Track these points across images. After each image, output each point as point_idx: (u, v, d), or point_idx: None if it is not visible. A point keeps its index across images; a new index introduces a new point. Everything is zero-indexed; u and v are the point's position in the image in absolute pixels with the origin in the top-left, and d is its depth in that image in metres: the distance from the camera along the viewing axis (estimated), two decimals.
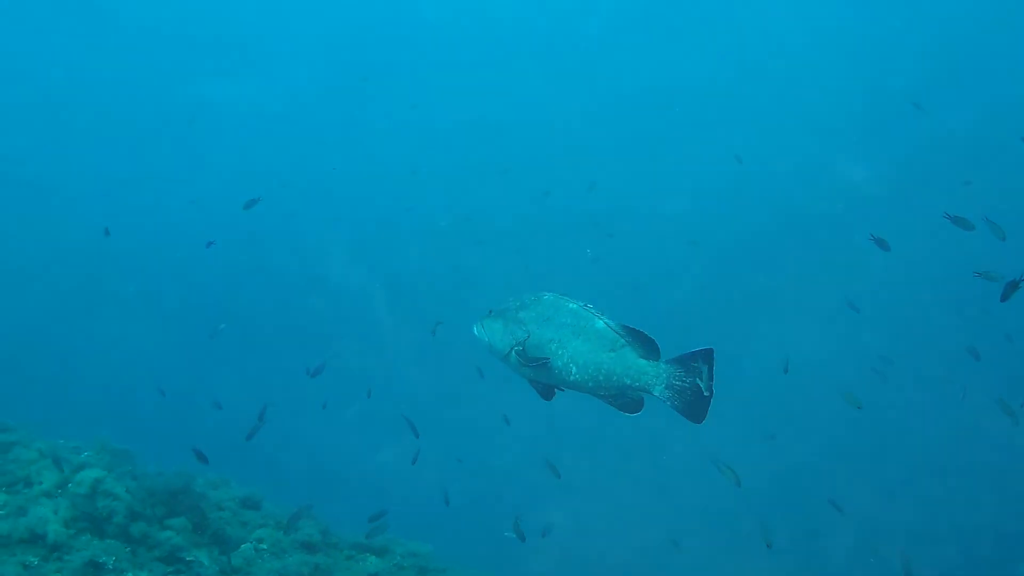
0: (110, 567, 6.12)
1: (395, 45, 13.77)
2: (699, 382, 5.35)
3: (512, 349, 5.86)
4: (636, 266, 11.30)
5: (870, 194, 11.89)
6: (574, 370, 5.43)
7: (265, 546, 6.95)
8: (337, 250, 9.72)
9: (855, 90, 12.58)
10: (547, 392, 6.09)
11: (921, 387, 9.39)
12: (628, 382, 5.41)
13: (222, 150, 12.81)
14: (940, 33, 12.25)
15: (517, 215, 13.05)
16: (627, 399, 5.62)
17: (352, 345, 9.10)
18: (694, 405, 5.47)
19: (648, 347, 5.40)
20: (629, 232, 11.73)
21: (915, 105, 11.30)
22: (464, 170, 14.08)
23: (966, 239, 9.87)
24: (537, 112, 13.96)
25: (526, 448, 9.15)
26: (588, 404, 9.03)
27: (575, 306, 5.55)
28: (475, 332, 6.27)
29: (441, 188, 13.24)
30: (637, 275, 11.05)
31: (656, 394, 5.40)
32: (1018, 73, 12.71)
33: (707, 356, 5.40)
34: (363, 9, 13.54)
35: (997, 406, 9.23)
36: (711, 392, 5.49)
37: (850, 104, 12.64)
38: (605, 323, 5.26)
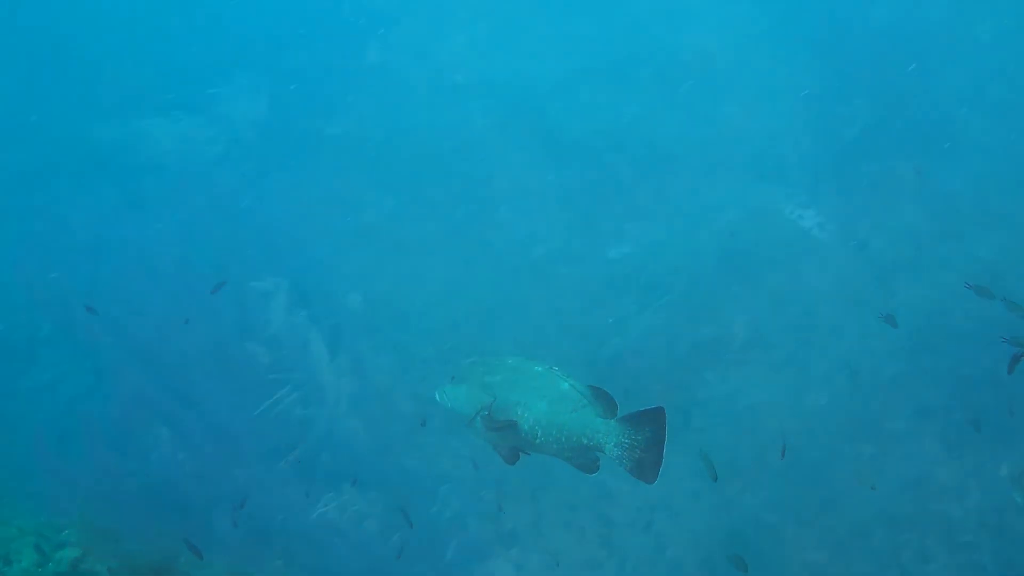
0: None
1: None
2: (644, 446, 5.37)
3: (478, 414, 5.86)
4: (584, 311, 11.45)
5: (821, 239, 12.05)
6: (539, 432, 5.46)
7: None
8: (279, 297, 9.72)
9: (806, 135, 12.81)
10: (511, 456, 6.07)
11: (873, 438, 9.38)
12: (585, 441, 5.41)
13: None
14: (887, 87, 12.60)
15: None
16: (585, 459, 5.63)
17: (293, 393, 9.14)
18: (643, 465, 5.46)
19: (607, 405, 5.42)
20: (572, 276, 11.87)
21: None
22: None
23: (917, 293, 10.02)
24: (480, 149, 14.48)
25: (469, 500, 9.06)
26: (533, 456, 8.98)
27: (540, 369, 5.58)
28: (437, 398, 6.24)
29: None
30: (585, 322, 11.20)
31: (607, 452, 5.38)
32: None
33: (656, 416, 5.40)
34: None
35: (949, 456, 9.32)
36: (660, 456, 5.48)
37: (801, 149, 12.85)
38: (570, 384, 5.28)
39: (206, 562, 7.46)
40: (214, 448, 7.72)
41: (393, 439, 9.26)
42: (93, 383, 9.19)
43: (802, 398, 9.65)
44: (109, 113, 12.46)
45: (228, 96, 12.52)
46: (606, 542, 9.26)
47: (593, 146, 12.59)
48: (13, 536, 7.06)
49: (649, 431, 5.57)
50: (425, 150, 12.71)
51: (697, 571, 9.18)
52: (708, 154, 12.77)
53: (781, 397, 9.60)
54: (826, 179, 12.26)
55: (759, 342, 10.28)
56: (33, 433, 8.55)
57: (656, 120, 12.65)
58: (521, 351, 9.93)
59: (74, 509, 7.49)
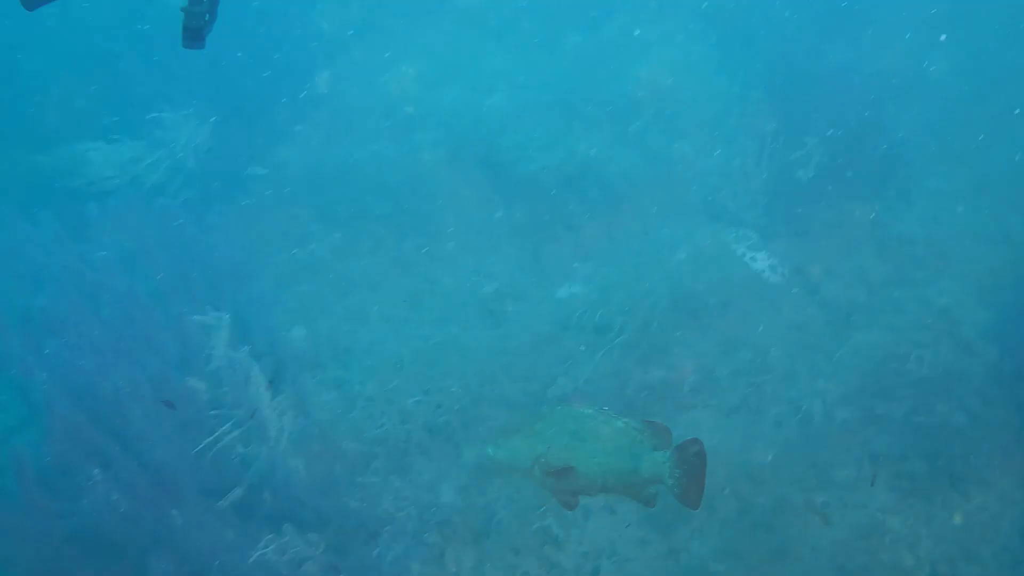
0: None
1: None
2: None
3: (535, 463, 5.90)
4: (531, 351, 11.44)
5: (773, 282, 12.10)
6: (598, 472, 5.51)
7: None
8: (220, 331, 9.63)
9: (759, 176, 12.89)
10: (571, 502, 6.14)
11: (824, 486, 9.40)
12: (645, 475, 5.54)
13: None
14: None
15: None
16: (646, 492, 5.76)
17: (233, 430, 9.05)
18: (688, 491, 5.69)
19: (662, 436, 5.54)
20: (520, 315, 11.88)
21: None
22: None
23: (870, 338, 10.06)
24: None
25: (411, 543, 8.99)
26: (477, 498, 8.93)
27: (591, 411, 5.66)
28: (490, 453, 6.27)
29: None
30: (532, 362, 11.18)
31: (667, 483, 5.49)
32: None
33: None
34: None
35: (901, 504, 9.35)
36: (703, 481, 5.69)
37: (754, 190, 12.91)
38: (625, 423, 5.36)
39: None
40: (150, 488, 7.60)
41: (335, 479, 9.20)
42: (26, 417, 9.09)
43: (752, 444, 9.66)
44: (49, 137, 12.33)
45: (171, 121, 12.41)
46: None
47: (543, 182, 12.56)
48: None
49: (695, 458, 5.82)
50: (373, 182, 12.66)
51: None
52: (659, 193, 12.79)
53: (731, 443, 9.60)
54: (779, 221, 12.32)
55: (709, 386, 10.28)
56: None
57: (607, 157, 12.68)
58: (468, 393, 9.95)
59: None
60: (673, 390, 10.14)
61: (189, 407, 8.30)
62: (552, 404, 9.91)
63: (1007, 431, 9.69)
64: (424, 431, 9.59)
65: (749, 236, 12.14)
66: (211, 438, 8.29)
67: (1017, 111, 15.24)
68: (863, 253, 12.13)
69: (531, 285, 11.91)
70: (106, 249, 9.46)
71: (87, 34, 13.41)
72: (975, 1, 16.87)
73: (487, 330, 11.22)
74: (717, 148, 13.10)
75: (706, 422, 9.92)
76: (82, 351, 8.22)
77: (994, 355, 9.91)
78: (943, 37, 15.09)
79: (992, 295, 11.41)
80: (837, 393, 9.89)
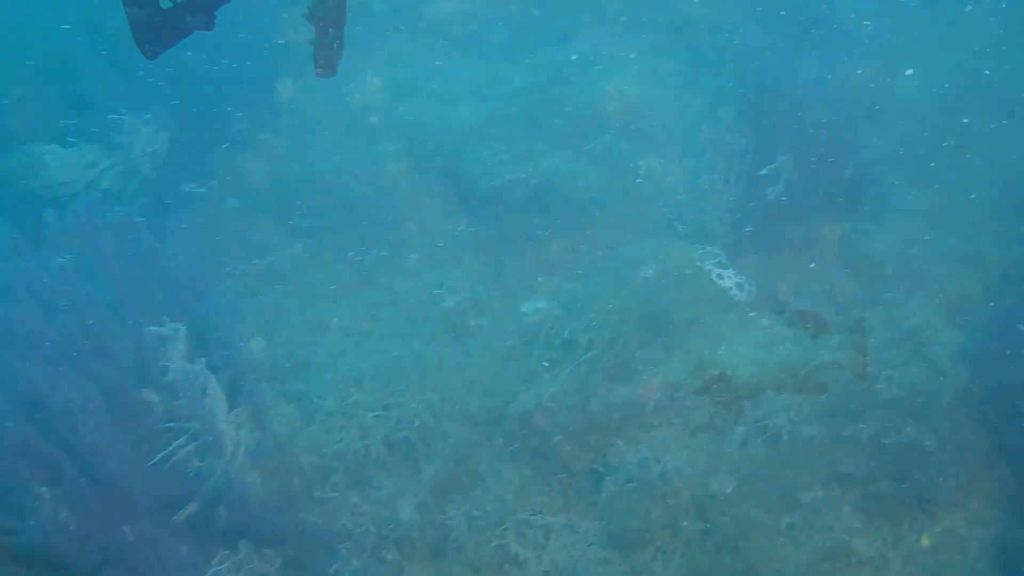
0: None
1: None
2: None
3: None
4: (494, 366, 11.36)
5: (740, 300, 12.06)
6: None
7: None
8: (177, 342, 9.52)
9: (728, 193, 12.84)
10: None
11: (791, 507, 9.36)
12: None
13: None
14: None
15: None
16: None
17: (189, 444, 8.93)
18: None
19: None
20: (483, 329, 11.79)
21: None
22: None
23: (838, 358, 9.97)
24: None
25: (369, 560, 8.92)
26: (436, 515, 8.86)
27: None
28: None
29: None
30: (494, 377, 11.08)
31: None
32: None
33: None
34: None
35: (868, 526, 9.33)
36: None
37: (722, 207, 12.87)
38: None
39: None
40: (101, 504, 7.48)
41: (293, 494, 9.10)
42: None
43: (718, 464, 9.60)
44: (4, 139, 12.19)
45: (130, 126, 12.29)
46: None
47: (508, 196, 12.47)
48: None
49: None
50: (336, 193, 12.57)
51: None
52: (626, 209, 12.76)
53: (696, 463, 9.55)
54: (747, 239, 12.29)
55: (675, 405, 10.22)
56: None
57: (573, 172, 12.60)
58: (428, 409, 9.86)
59: None
60: (638, 408, 10.06)
61: (144, 420, 8.20)
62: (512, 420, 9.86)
63: (975, 453, 9.68)
64: (383, 446, 9.50)
65: (716, 253, 12.12)
66: (166, 452, 8.19)
67: (990, 135, 15.34)
68: (832, 272, 12.13)
69: (494, 300, 11.84)
70: (63, 256, 9.31)
71: (46, 36, 13.29)
72: (944, 21, 16.98)
73: (449, 345, 11.14)
74: (685, 164, 13.08)
75: (671, 441, 9.87)
76: (33, 361, 8.08)
77: (964, 377, 9.88)
78: (909, 71, 15.16)
79: (962, 316, 11.43)
80: (804, 413, 9.85)
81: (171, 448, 8.17)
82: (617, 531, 9.14)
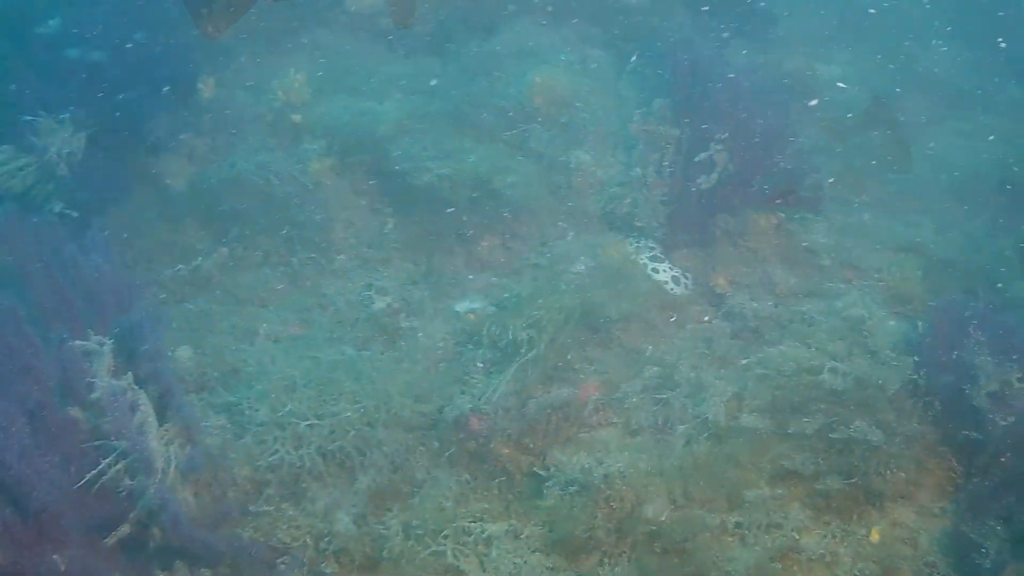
0: None
1: None
2: None
3: None
4: (428, 369, 11.13)
5: (677, 293, 12.03)
6: None
7: None
8: (103, 356, 9.30)
9: (661, 185, 12.74)
10: None
11: (737, 506, 9.32)
12: None
13: None
14: None
15: None
16: None
17: (119, 462, 8.73)
18: None
19: None
20: (416, 331, 11.62)
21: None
22: None
23: (780, 350, 9.95)
24: None
25: (308, 573, 8.80)
26: (374, 526, 8.74)
27: None
28: None
29: None
30: (428, 380, 10.88)
31: None
32: None
33: None
34: None
35: (816, 522, 9.32)
36: None
37: (655, 200, 12.74)
38: None
39: None
40: (28, 532, 7.29)
41: (227, 509, 8.95)
42: None
43: (662, 464, 9.54)
44: None
45: (45, 127, 12.01)
46: None
47: (435, 192, 12.33)
48: None
49: None
50: (260, 194, 12.36)
51: None
52: (557, 204, 12.69)
53: (640, 463, 9.47)
54: (682, 231, 12.26)
55: (615, 404, 10.16)
56: None
57: (502, 167, 12.44)
58: (362, 416, 9.71)
59: None
60: (577, 409, 9.99)
61: (71, 440, 8.01)
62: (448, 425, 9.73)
63: (923, 444, 9.75)
64: (318, 456, 9.33)
65: (651, 247, 12.10)
66: (95, 472, 8.02)
67: (924, 121, 15.46)
68: (769, 264, 12.12)
69: (425, 300, 11.75)
70: None
71: None
72: (874, 6, 17.09)
73: (380, 348, 11.02)
74: (617, 157, 13.03)
75: (613, 442, 9.80)
76: None
77: (908, 366, 9.89)
78: (841, 84, 15.26)
79: (903, 304, 11.49)
80: (747, 409, 9.79)
81: (100, 468, 7.99)
82: (561, 536, 9.05)
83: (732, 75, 12.16)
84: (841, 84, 15.24)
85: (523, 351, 10.13)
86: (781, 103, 12.19)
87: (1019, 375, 9.54)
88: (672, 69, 12.34)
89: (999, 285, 12.26)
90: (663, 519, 9.06)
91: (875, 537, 9.28)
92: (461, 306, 11.55)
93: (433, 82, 14.08)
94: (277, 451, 9.23)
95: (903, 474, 9.54)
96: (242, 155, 12.88)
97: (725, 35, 14.48)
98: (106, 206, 12.10)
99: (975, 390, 9.51)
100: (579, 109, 13.30)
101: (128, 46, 12.81)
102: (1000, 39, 17.25)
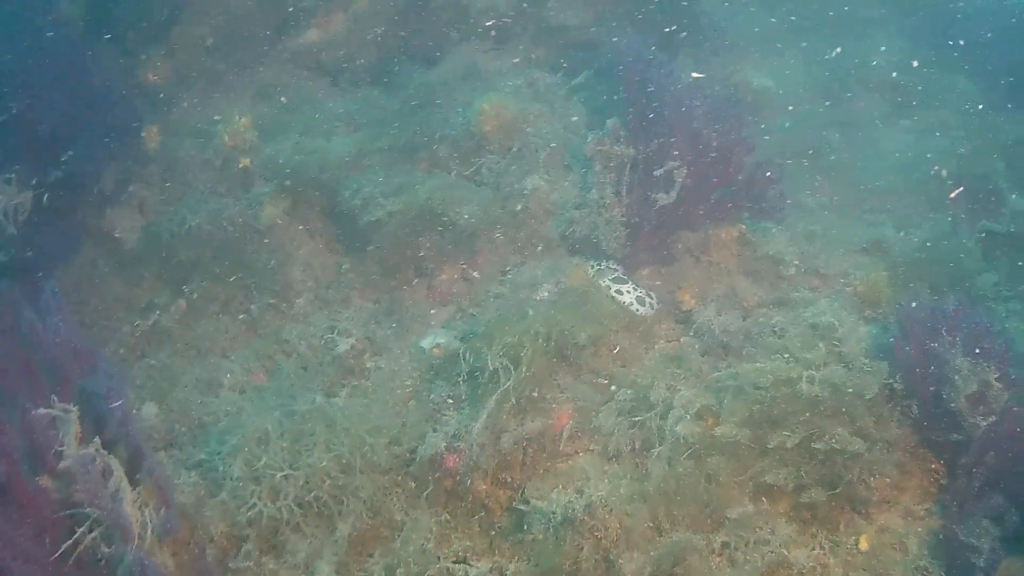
0: None
1: None
2: None
3: None
4: (396, 408, 11.02)
5: (643, 314, 12.00)
6: None
7: None
8: (69, 421, 9.19)
9: (618, 204, 12.67)
10: None
11: (723, 526, 9.32)
12: None
13: None
14: None
15: None
16: None
17: (94, 530, 8.63)
18: None
19: None
20: (382, 370, 11.53)
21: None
22: None
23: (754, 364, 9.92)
24: None
25: None
26: (356, 574, 8.68)
27: None
28: None
29: None
30: (398, 422, 10.81)
31: None
32: None
33: None
34: None
35: (803, 535, 9.32)
36: None
37: (614, 220, 12.63)
38: None
39: None
40: None
41: (206, 569, 8.88)
42: None
43: (642, 488, 9.51)
44: None
45: None
46: None
47: (390, 228, 12.28)
48: None
49: None
50: (214, 241, 12.33)
51: None
52: (515, 231, 12.65)
53: (620, 490, 9.45)
54: (643, 250, 12.27)
55: (590, 431, 10.13)
56: None
57: (456, 198, 12.39)
58: (336, 463, 9.62)
59: None
60: (552, 439, 9.96)
61: (43, 511, 7.93)
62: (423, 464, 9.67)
63: (903, 448, 9.83)
64: (295, 507, 9.27)
65: (613, 268, 12.08)
66: (70, 542, 7.95)
67: (877, 121, 15.56)
68: (733, 277, 12.15)
69: (389, 338, 11.69)
70: None
71: None
72: (817, 7, 17.23)
73: (349, 391, 10.95)
74: (572, 179, 13.01)
75: (591, 469, 9.76)
76: None
77: (883, 371, 9.91)
78: (790, 108, 15.36)
79: (872, 308, 11.54)
80: (725, 425, 9.75)
81: (75, 537, 7.92)
82: (548, 570, 9.02)
83: (685, 89, 12.12)
84: (785, 92, 15.34)
85: (490, 384, 10.08)
86: (735, 114, 12.14)
87: (997, 375, 9.61)
88: (625, 87, 12.28)
89: (965, 282, 12.39)
90: (649, 545, 9.06)
91: (864, 545, 9.34)
92: (426, 342, 11.51)
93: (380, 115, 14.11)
94: (253, 505, 9.16)
95: (886, 479, 9.61)
96: (193, 204, 12.86)
97: (673, 49, 14.57)
98: (57, 264, 12.03)
99: (953, 392, 9.56)
100: (530, 134, 13.28)
101: (68, 99, 12.74)
102: (951, 36, 17.52)
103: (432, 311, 12.19)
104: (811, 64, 16.70)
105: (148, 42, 14.38)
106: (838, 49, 16.95)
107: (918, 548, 9.33)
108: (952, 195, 14.24)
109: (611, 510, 9.17)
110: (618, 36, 14.22)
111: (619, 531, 9.10)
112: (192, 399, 10.81)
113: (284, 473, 9.31)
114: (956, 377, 9.50)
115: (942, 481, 9.84)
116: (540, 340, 10.28)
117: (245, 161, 13.09)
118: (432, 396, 10.58)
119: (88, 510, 8.02)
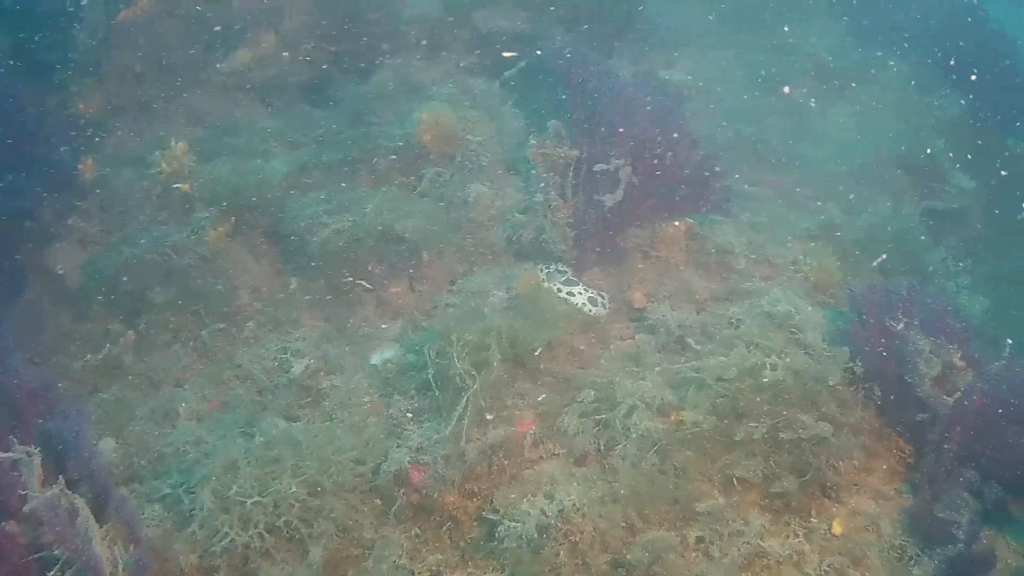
0: None
1: None
2: None
3: None
4: (357, 427, 10.89)
5: (596, 314, 12.01)
6: None
7: None
8: (30, 464, 9.06)
9: (565, 208, 12.70)
10: None
11: (694, 520, 9.33)
12: None
13: None
14: None
15: None
16: None
17: (64, 572, 8.53)
18: None
19: None
20: (339, 390, 11.45)
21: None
22: None
23: (715, 358, 9.93)
24: None
25: None
26: None
27: None
28: None
29: None
30: (361, 441, 10.67)
31: None
32: None
33: None
34: None
35: (776, 524, 9.36)
36: None
37: (560, 221, 12.64)
38: None
39: None
40: None
41: None
42: None
43: (613, 491, 9.49)
44: None
45: None
46: None
47: (335, 245, 12.20)
48: None
49: None
50: (159, 270, 12.19)
51: None
52: (461, 240, 12.63)
53: (590, 493, 9.42)
54: (592, 251, 12.28)
55: (554, 435, 10.09)
56: None
57: (400, 210, 12.34)
58: (303, 486, 9.54)
59: None
60: (516, 446, 9.93)
61: (11, 557, 7.83)
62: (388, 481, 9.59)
63: (868, 431, 10.02)
64: (266, 534, 9.17)
65: (563, 271, 12.08)
66: None
67: (813, 103, 15.67)
68: (684, 272, 12.19)
69: (343, 356, 11.59)
70: None
71: None
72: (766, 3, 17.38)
73: (307, 412, 10.85)
74: (516, 184, 13.02)
75: (558, 473, 9.74)
76: None
77: (843, 356, 9.97)
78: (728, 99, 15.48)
79: (825, 292, 11.68)
80: (690, 420, 9.76)
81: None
82: None
83: (626, 87, 12.13)
84: (723, 85, 15.44)
85: (448, 394, 10.05)
86: (678, 110, 12.16)
87: (960, 354, 9.71)
88: (566, 87, 12.28)
89: (915, 261, 12.51)
90: (624, 547, 9.06)
91: (837, 529, 9.44)
92: (376, 358, 11.47)
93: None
94: (222, 534, 9.06)
95: (854, 463, 9.75)
96: (135, 233, 12.73)
97: (609, 47, 14.63)
98: (4, 304, 11.88)
99: (916, 373, 9.63)
100: (469, 141, 13.25)
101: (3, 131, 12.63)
102: (885, 19, 17.71)
103: (383, 325, 12.14)
104: (748, 54, 16.81)
105: (77, 73, 14.27)
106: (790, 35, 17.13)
107: (892, 529, 9.48)
108: (893, 175, 14.45)
109: (583, 514, 9.16)
110: (552, 40, 14.26)
111: (594, 534, 9.10)
112: (149, 432, 10.67)
113: (251, 501, 9.23)
114: (919, 360, 9.60)
115: (909, 460, 10.02)
116: (504, 339, 10.23)
117: (185, 186, 12.93)
118: (391, 411, 10.53)
119: (58, 552, 7.94)
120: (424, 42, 15.23)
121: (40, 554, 8.00)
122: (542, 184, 12.15)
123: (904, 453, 10.04)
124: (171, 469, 10.04)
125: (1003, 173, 16.38)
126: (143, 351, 11.92)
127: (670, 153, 11.82)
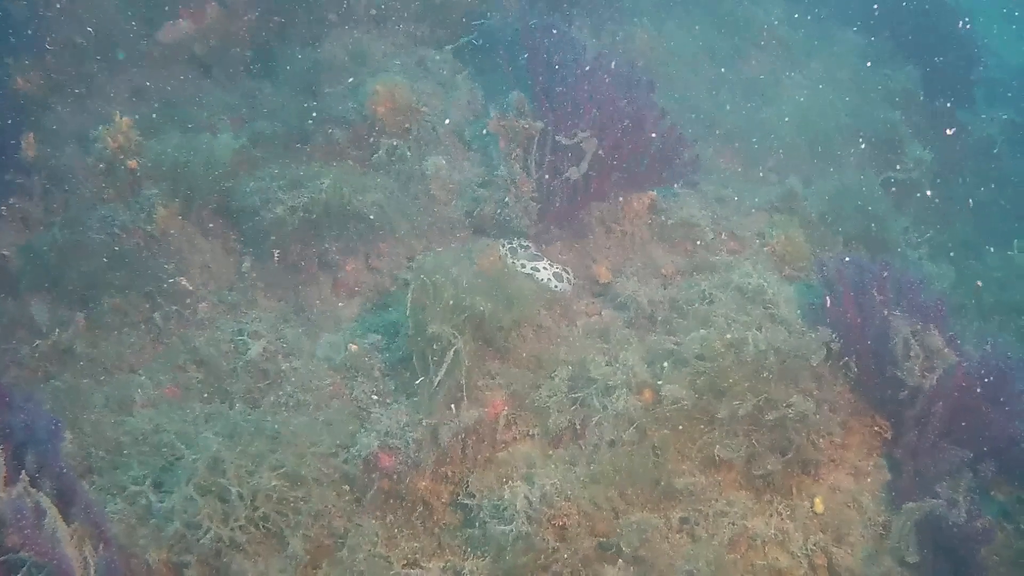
0: None
1: None
2: None
3: None
4: (320, 410, 10.56)
5: (562, 290, 11.71)
6: None
7: None
8: None
9: (526, 182, 12.31)
10: None
11: (676, 501, 9.06)
12: None
13: None
14: None
15: None
16: None
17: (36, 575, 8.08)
18: None
19: None
20: (298, 373, 11.04)
21: None
22: None
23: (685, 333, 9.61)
24: None
25: None
26: None
27: None
28: None
29: None
30: (326, 425, 10.30)
31: None
32: None
33: None
34: None
35: (758, 504, 9.21)
36: None
37: (522, 196, 12.26)
38: None
39: None
40: None
41: None
42: None
43: (589, 472, 9.14)
44: None
45: None
46: None
47: (288, 222, 11.69)
48: None
49: None
50: (107, 251, 11.61)
51: None
52: (419, 215, 12.18)
53: (569, 476, 9.07)
54: (555, 226, 11.94)
55: (527, 415, 9.74)
56: None
57: (355, 185, 11.84)
58: (277, 475, 9.05)
59: None
60: (489, 428, 9.55)
61: None
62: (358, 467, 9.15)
63: (845, 406, 9.84)
64: (236, 527, 8.67)
65: (525, 246, 11.70)
66: None
67: (765, 78, 15.47)
68: (649, 246, 11.91)
69: (300, 337, 11.12)
70: None
71: None
72: None
73: (267, 397, 10.36)
74: (474, 158, 12.64)
75: (534, 456, 9.39)
76: None
77: (823, 334, 9.73)
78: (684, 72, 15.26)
79: (793, 266, 11.57)
80: (669, 398, 9.44)
81: None
82: (508, 566, 8.62)
83: (587, 57, 11.74)
84: (679, 57, 15.21)
85: (411, 375, 9.72)
86: (646, 80, 11.80)
87: (936, 330, 9.50)
88: (527, 58, 11.86)
89: (876, 231, 12.38)
90: (608, 529, 8.75)
91: (819, 507, 9.32)
92: (335, 337, 11.02)
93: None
94: (189, 526, 8.54)
95: (835, 440, 9.60)
96: (80, 212, 12.14)
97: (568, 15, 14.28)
98: None
99: (894, 350, 9.40)
100: (425, 113, 12.80)
101: None
102: None
103: (340, 304, 11.72)
104: (703, 25, 16.61)
105: (15, 48, 13.68)
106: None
107: (873, 502, 9.44)
108: (852, 146, 14.32)
109: (566, 497, 8.81)
110: (510, 7, 13.90)
111: (577, 519, 8.76)
112: (105, 420, 10.09)
113: (216, 492, 8.71)
114: (896, 337, 9.37)
115: (885, 436, 9.84)
116: (455, 327, 9.76)
117: (132, 162, 12.32)
118: (355, 393, 10.11)
119: (24, 555, 7.43)
120: (373, 12, 14.71)
121: (4, 557, 7.52)
122: (504, 158, 11.74)
123: (881, 429, 9.85)
124: (131, 460, 9.50)
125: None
126: (94, 336, 11.35)
127: (637, 124, 11.45)
